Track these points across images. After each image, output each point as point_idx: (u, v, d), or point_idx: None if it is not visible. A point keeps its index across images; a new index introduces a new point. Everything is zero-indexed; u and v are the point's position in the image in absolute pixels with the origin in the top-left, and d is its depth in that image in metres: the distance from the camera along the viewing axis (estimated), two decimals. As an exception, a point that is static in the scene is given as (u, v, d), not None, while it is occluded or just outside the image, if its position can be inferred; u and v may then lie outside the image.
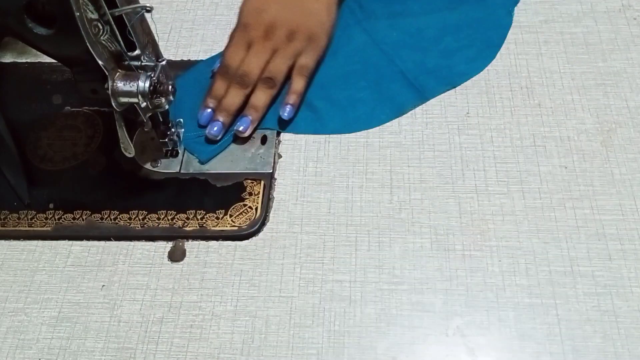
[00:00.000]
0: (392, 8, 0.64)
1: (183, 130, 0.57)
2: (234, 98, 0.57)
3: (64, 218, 0.54)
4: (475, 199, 0.53)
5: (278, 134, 0.58)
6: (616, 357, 0.45)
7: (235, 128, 0.56)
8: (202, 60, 0.63)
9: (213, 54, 0.63)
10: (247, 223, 0.53)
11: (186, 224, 0.53)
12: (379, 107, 0.58)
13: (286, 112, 0.57)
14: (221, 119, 0.56)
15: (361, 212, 0.53)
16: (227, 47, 0.59)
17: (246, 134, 0.56)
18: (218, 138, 0.56)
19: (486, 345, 0.46)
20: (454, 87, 0.59)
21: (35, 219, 0.54)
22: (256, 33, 0.58)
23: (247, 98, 0.57)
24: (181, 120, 0.57)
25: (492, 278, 0.49)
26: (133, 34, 0.46)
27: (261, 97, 0.57)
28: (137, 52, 0.47)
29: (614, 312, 0.47)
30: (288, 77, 0.59)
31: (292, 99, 0.57)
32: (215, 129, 0.56)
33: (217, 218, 0.53)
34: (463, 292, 0.49)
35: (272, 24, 0.57)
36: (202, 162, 0.56)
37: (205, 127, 0.57)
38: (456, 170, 0.55)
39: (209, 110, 0.57)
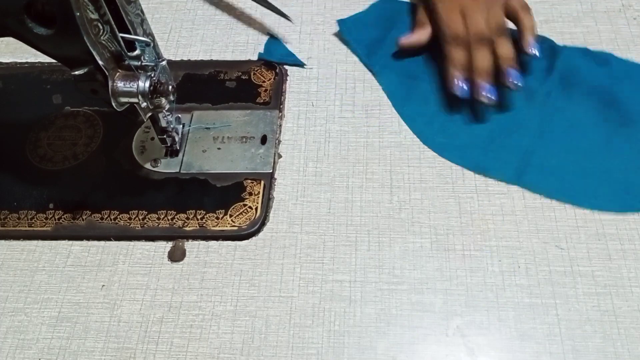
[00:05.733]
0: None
1: (181, 126, 0.57)
2: (485, 59, 0.55)
3: (64, 218, 0.54)
4: (475, 199, 0.53)
5: (278, 133, 0.58)
6: (616, 357, 0.45)
7: (510, 81, 0.55)
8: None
9: (212, 55, 0.63)
10: (247, 223, 0.53)
11: (186, 224, 0.53)
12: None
13: (535, 48, 0.55)
14: (487, 82, 0.55)
15: (361, 212, 0.53)
16: (444, 19, 0.57)
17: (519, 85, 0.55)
18: (494, 100, 0.55)
19: (486, 345, 0.46)
20: None
21: (35, 219, 0.54)
22: None
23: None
24: (180, 116, 0.57)
25: (492, 278, 0.49)
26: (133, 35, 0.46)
27: (509, 48, 0.55)
28: (137, 52, 0.47)
29: (614, 312, 0.47)
30: None
31: (533, 33, 0.56)
32: (492, 94, 0.55)
33: (217, 218, 0.53)
34: (463, 292, 0.49)
35: None
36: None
37: (462, 99, 0.56)
38: (456, 170, 0.55)
39: (461, 81, 0.55)
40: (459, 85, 0.56)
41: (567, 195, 0.52)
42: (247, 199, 0.54)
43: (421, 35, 0.60)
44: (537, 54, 0.55)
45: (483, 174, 0.54)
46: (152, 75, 0.47)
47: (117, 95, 0.46)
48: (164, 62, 0.49)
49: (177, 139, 0.56)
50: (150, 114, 0.50)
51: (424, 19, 0.60)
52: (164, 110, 0.51)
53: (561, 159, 0.54)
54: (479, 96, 0.55)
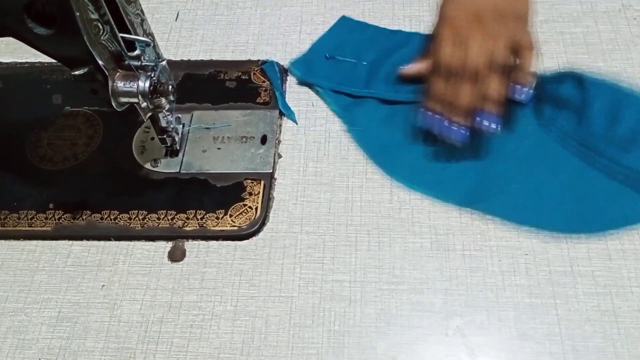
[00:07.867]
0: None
1: (181, 126, 0.57)
2: (466, 96, 0.52)
3: (64, 218, 0.54)
4: (475, 199, 0.53)
5: (278, 134, 0.58)
6: (616, 357, 0.45)
7: (483, 125, 0.52)
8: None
9: (212, 55, 0.63)
10: (247, 223, 0.53)
11: (186, 224, 0.53)
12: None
13: (524, 95, 0.53)
14: (463, 121, 0.52)
15: (361, 212, 0.53)
16: (437, 46, 0.53)
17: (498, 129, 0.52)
18: (460, 141, 0.53)
19: (486, 345, 0.46)
20: None
21: (35, 219, 0.54)
22: (466, 25, 0.53)
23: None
24: (180, 116, 0.57)
25: (492, 278, 0.49)
26: (133, 34, 0.46)
27: (496, 88, 0.52)
28: (137, 52, 0.47)
29: (614, 312, 0.47)
30: None
31: (529, 78, 0.53)
32: (462, 132, 0.52)
33: (217, 218, 0.53)
34: (463, 292, 0.49)
35: (478, 11, 0.52)
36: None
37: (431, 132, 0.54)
38: (456, 170, 0.55)
39: (431, 115, 0.53)
40: (427, 119, 0.54)
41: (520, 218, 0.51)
42: (247, 199, 0.54)
43: (421, 65, 0.57)
44: (523, 99, 0.53)
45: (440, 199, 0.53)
46: (152, 75, 0.47)
47: (117, 95, 0.46)
48: (164, 62, 0.49)
49: (177, 139, 0.56)
50: (150, 114, 0.50)
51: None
52: (164, 110, 0.51)
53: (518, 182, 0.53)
54: (449, 136, 0.53)
